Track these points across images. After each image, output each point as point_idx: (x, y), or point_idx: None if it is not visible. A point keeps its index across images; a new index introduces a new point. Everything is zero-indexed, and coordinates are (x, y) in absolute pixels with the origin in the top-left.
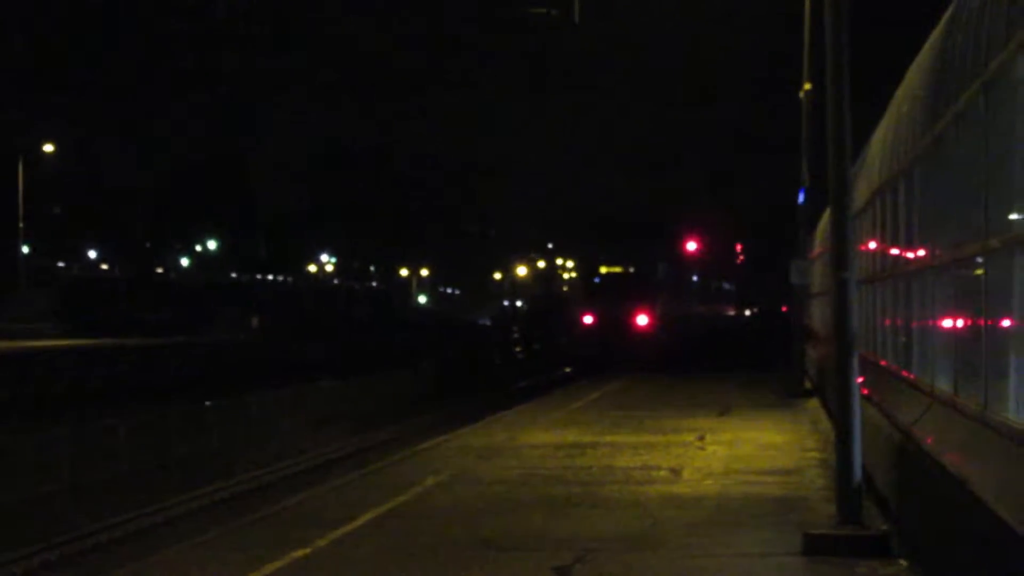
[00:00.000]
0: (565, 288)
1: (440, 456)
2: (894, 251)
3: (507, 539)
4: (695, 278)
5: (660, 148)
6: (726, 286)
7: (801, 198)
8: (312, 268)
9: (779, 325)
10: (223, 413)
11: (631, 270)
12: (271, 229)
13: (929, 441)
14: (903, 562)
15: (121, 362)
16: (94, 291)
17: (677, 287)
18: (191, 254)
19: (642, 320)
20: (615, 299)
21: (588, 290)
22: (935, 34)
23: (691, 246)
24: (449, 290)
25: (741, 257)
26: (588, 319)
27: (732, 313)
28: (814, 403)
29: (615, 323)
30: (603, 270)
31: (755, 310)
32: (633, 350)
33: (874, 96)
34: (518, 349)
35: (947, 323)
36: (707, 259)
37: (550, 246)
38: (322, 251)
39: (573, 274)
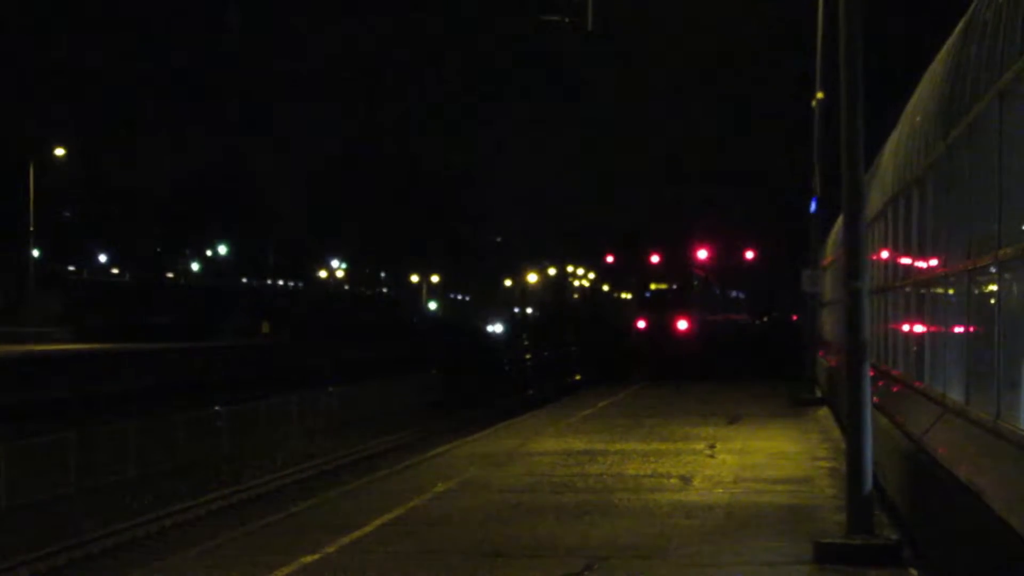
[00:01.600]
0: (576, 296)
1: (450, 463)
2: (906, 260)
3: (516, 546)
4: (717, 291)
5: (671, 158)
6: (739, 295)
7: (813, 207)
8: (323, 274)
9: (790, 333)
10: (233, 418)
11: (674, 286)
12: (281, 234)
13: (941, 451)
14: (914, 571)
15: (130, 367)
16: (104, 296)
17: (707, 298)
18: (201, 259)
19: (682, 325)
20: (662, 309)
21: (641, 302)
22: (948, 44)
23: (702, 254)
24: (459, 296)
25: (752, 265)
26: (641, 324)
27: (747, 320)
28: (824, 412)
29: (662, 327)
30: (652, 286)
31: (764, 318)
32: (676, 348)
33: (887, 105)
34: (528, 356)
35: (959, 333)
36: (721, 269)
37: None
38: (332, 257)
39: (584, 282)
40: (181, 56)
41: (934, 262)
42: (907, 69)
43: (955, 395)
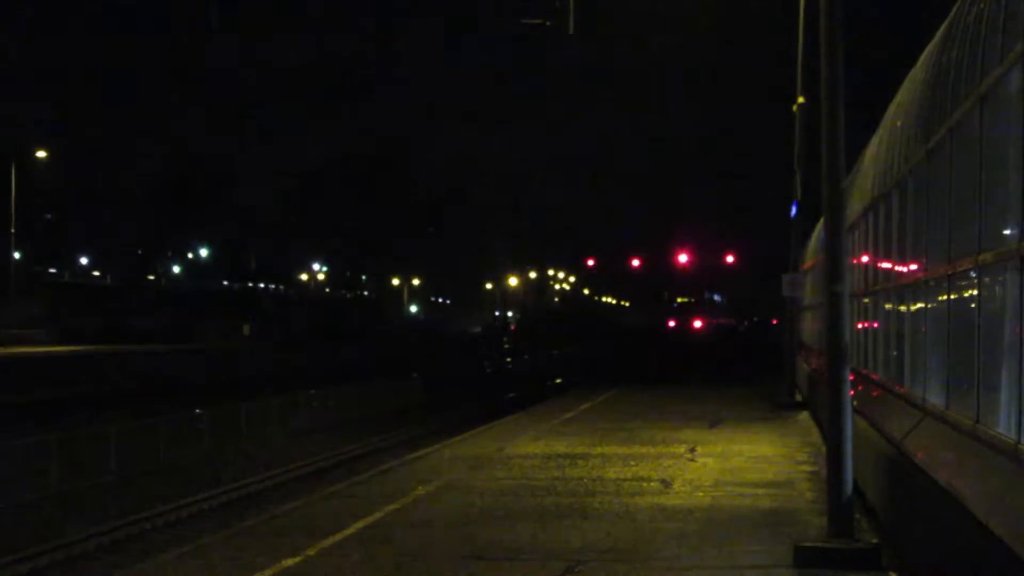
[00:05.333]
0: (557, 299)
1: (430, 466)
2: (887, 264)
3: (496, 549)
4: (715, 298)
5: (653, 162)
6: (722, 299)
7: (793, 211)
8: (304, 277)
9: (771, 337)
10: (214, 421)
11: (692, 300)
12: (263, 237)
13: (921, 455)
14: (893, 575)
15: (110, 369)
16: (85, 298)
17: (709, 305)
18: (183, 261)
19: (698, 324)
20: (685, 313)
21: (670, 309)
22: (930, 48)
23: (683, 258)
24: (440, 300)
25: (735, 270)
26: (672, 324)
27: (733, 323)
28: (804, 416)
29: (685, 325)
30: (679, 300)
31: (745, 323)
32: (694, 338)
33: (868, 109)
34: (509, 359)
35: (939, 337)
36: (709, 276)
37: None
38: (313, 260)
39: (565, 286)
40: (163, 57)
41: (914, 266)
42: (889, 72)
43: (935, 399)
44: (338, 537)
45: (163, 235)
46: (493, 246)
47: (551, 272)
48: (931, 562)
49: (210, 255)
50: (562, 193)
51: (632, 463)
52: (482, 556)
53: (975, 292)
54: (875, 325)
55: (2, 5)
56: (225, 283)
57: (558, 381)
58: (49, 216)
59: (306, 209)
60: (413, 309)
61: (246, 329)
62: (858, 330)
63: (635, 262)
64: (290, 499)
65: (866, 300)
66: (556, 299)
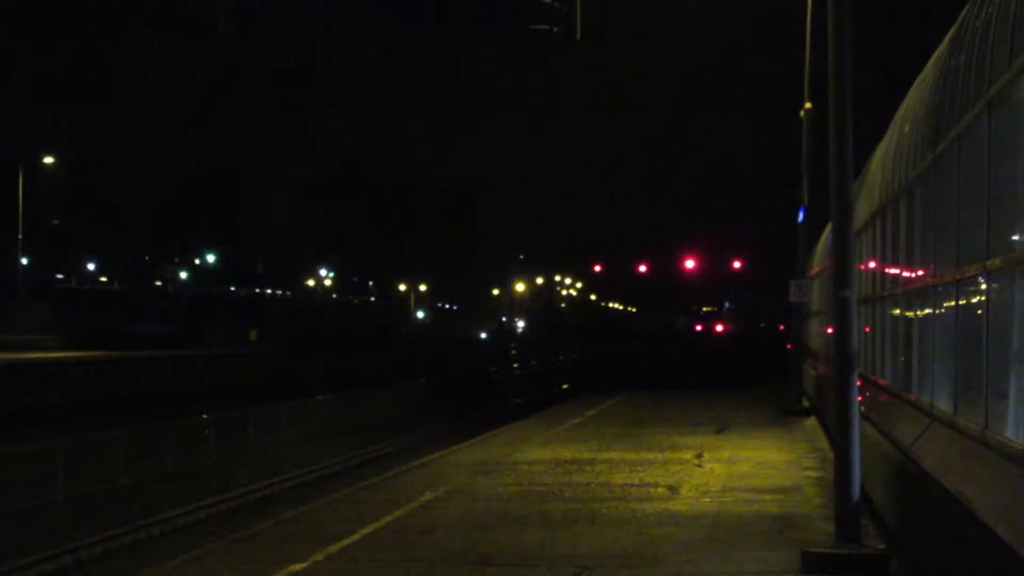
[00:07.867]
0: (563, 305)
1: (437, 471)
2: (894, 270)
3: (504, 555)
4: (726, 304)
5: (660, 169)
6: (731, 305)
7: (801, 217)
8: (311, 282)
9: (779, 342)
10: (221, 426)
11: (715, 309)
12: (270, 243)
13: (928, 461)
14: None
15: (119, 375)
16: (92, 304)
17: (730, 312)
18: (190, 267)
19: (720, 328)
20: (710, 320)
21: (697, 316)
22: (937, 53)
23: (690, 264)
24: (447, 305)
25: (742, 276)
26: (699, 328)
27: (741, 328)
28: (811, 421)
29: (709, 330)
30: (704, 308)
31: (751, 329)
32: (717, 341)
33: (875, 115)
34: (516, 365)
35: (947, 343)
36: (717, 283)
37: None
38: (321, 266)
39: (572, 291)
40: (175, 67)
41: (922, 272)
42: (898, 77)
43: (943, 405)
44: (345, 543)
45: (171, 241)
46: (500, 251)
47: (558, 278)
48: (939, 568)
49: (217, 261)
50: (568, 198)
51: (639, 469)
52: (489, 561)
53: (983, 298)
54: (883, 330)
55: (7, 11)
56: (232, 289)
57: (565, 387)
58: (56, 222)
59: (314, 215)
60: (420, 315)
61: (253, 335)
62: (865, 335)
63: (642, 268)
64: (297, 504)
65: (874, 305)
66: (563, 304)
